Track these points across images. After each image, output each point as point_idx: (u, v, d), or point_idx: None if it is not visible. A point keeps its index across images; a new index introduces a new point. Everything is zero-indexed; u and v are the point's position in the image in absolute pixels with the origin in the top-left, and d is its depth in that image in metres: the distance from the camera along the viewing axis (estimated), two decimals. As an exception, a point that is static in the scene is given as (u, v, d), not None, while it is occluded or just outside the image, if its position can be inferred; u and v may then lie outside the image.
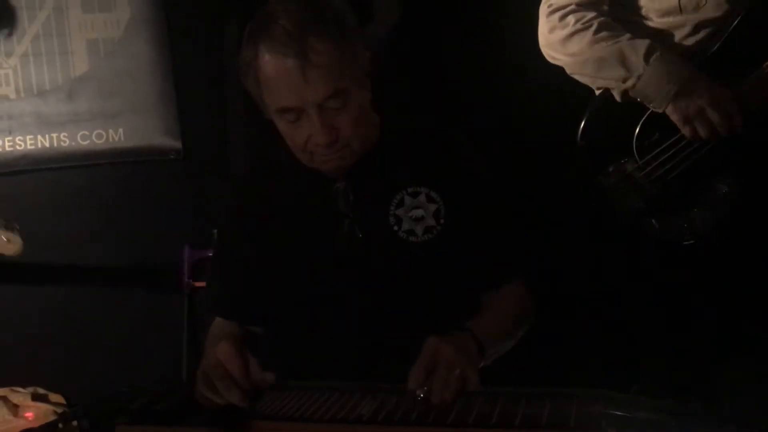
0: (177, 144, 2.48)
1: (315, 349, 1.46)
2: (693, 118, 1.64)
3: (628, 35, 1.70)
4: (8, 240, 1.94)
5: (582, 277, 2.12)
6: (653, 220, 1.74)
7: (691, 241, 1.72)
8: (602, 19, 1.73)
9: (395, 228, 1.42)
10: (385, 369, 1.31)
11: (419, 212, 1.42)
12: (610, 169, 1.75)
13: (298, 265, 1.46)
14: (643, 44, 1.68)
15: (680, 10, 1.70)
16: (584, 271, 2.09)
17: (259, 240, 1.48)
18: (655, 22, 1.74)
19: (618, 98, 1.73)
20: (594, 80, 1.76)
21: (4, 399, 2.27)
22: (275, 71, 1.30)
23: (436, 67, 2.33)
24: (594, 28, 1.71)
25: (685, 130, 1.66)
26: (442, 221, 1.42)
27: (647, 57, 1.66)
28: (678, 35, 1.72)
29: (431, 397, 1.15)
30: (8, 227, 1.93)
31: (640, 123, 1.72)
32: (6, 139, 2.41)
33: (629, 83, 1.68)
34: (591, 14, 1.73)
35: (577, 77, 1.78)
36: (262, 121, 1.42)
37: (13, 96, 2.42)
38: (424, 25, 2.36)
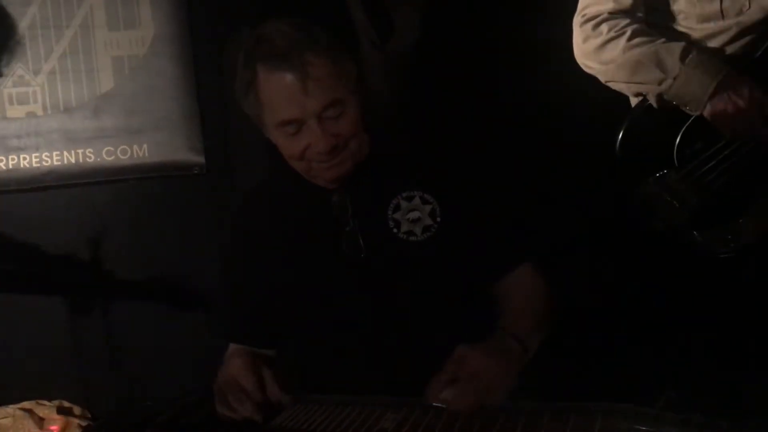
0: (200, 159, 2.50)
1: (330, 362, 1.46)
2: (731, 118, 1.60)
3: (662, 39, 1.67)
4: None
5: (610, 289, 2.10)
6: (695, 232, 1.70)
7: (730, 255, 1.68)
8: (636, 26, 1.70)
9: (395, 231, 1.45)
10: (403, 375, 1.31)
11: (416, 214, 1.46)
12: (651, 180, 1.72)
13: (305, 279, 1.48)
14: (678, 45, 1.65)
15: (722, 15, 1.66)
16: (613, 282, 2.07)
17: (264, 258, 1.50)
18: (696, 28, 1.70)
19: (654, 103, 1.69)
20: (629, 86, 1.73)
21: (30, 412, 2.29)
22: (276, 87, 1.36)
23: (465, 81, 2.34)
24: (627, 34, 1.68)
25: (723, 131, 1.62)
26: (438, 219, 1.46)
27: (683, 58, 1.63)
28: (719, 41, 1.68)
29: (449, 407, 1.16)
30: None
31: (682, 131, 1.68)
32: (33, 155, 2.45)
33: (665, 85, 1.64)
34: (624, 21, 1.70)
35: (612, 85, 1.76)
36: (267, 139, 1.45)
37: (40, 113, 2.46)
38: (446, 40, 2.37)
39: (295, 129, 1.37)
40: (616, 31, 1.70)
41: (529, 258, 1.49)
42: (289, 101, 1.35)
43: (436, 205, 1.46)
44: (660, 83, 1.65)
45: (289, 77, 1.34)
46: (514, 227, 1.51)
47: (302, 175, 1.45)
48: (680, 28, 1.73)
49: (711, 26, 1.68)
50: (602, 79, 1.76)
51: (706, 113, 1.62)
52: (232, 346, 1.54)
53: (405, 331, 1.41)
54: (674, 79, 1.63)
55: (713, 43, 1.69)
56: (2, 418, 2.24)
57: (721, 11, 1.66)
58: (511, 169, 2.02)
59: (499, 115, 2.28)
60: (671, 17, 1.74)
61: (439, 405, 1.18)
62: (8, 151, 2.44)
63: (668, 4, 1.73)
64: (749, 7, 1.64)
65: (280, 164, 1.49)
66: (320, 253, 1.47)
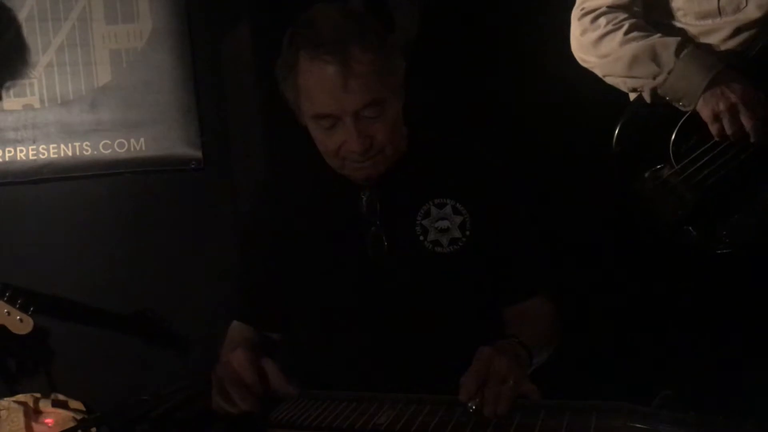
0: (197, 153, 2.50)
1: (334, 357, 1.45)
2: (722, 114, 1.60)
3: (659, 34, 1.69)
4: (21, 320, 2.16)
5: (605, 286, 2.10)
6: (690, 228, 1.70)
7: (726, 250, 1.68)
8: (633, 20, 1.72)
9: (421, 238, 1.42)
10: (405, 378, 1.31)
11: (445, 223, 1.42)
12: (646, 175, 1.72)
13: (322, 272, 1.46)
14: (674, 40, 1.66)
15: (719, 12, 1.67)
16: (609, 279, 2.07)
17: (284, 245, 1.48)
18: (693, 24, 1.71)
19: (648, 98, 1.70)
20: (625, 80, 1.73)
21: (25, 405, 2.29)
22: (315, 77, 1.31)
23: (460, 77, 2.33)
24: (625, 28, 1.70)
25: (713, 128, 1.62)
26: (467, 233, 1.42)
27: (678, 52, 1.64)
28: (716, 38, 1.69)
29: (483, 410, 1.13)
30: (23, 308, 2.17)
31: (677, 127, 1.69)
32: (30, 147, 2.45)
33: (660, 79, 1.65)
34: (622, 15, 1.72)
35: (608, 79, 1.77)
36: (286, 129, 1.43)
37: (37, 105, 2.45)
38: (445, 36, 2.37)
39: (330, 124, 1.33)
40: (613, 24, 1.71)
41: (546, 287, 1.47)
42: (326, 95, 1.30)
43: (467, 218, 1.42)
44: (655, 77, 1.66)
45: (330, 70, 1.28)
46: (537, 255, 1.48)
47: (335, 170, 1.42)
48: (678, 25, 1.74)
49: (708, 23, 1.69)
50: (599, 73, 1.78)
51: (698, 107, 1.63)
52: (235, 330, 1.53)
53: (411, 336, 1.40)
54: (669, 73, 1.64)
55: (710, 40, 1.70)
56: (-3, 410, 2.24)
57: (719, 9, 1.67)
58: (538, 193, 2.00)
59: (500, 113, 2.28)
60: (669, 14, 1.75)
61: (474, 407, 1.14)
62: (5, 143, 2.43)
63: (667, 1, 1.74)
64: (746, 5, 1.65)
65: (309, 153, 1.45)
66: (342, 248, 1.45)
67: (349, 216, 1.44)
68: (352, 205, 1.44)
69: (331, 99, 1.30)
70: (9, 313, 2.15)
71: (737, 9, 1.66)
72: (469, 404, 1.14)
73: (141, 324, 2.48)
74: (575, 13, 1.79)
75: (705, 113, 1.62)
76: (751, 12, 1.66)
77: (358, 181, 1.42)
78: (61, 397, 2.37)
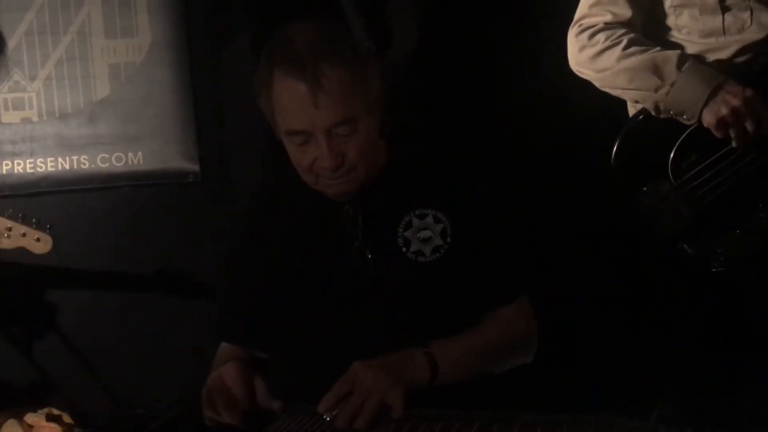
0: (195, 167, 2.50)
1: (325, 372, 1.45)
2: (727, 118, 1.61)
3: (658, 48, 1.70)
4: (38, 239, 2.03)
5: (603, 300, 2.10)
6: (685, 245, 1.71)
7: (722, 268, 1.69)
8: (632, 35, 1.72)
9: (404, 249, 1.43)
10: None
11: (427, 233, 1.43)
12: (644, 190, 1.73)
13: (307, 288, 1.47)
14: (674, 53, 1.67)
15: (723, 31, 1.69)
16: (606, 293, 2.07)
17: (269, 263, 1.49)
18: (697, 42, 1.72)
19: (652, 111, 1.71)
20: (626, 92, 1.74)
21: (19, 419, 2.27)
22: (287, 94, 1.33)
23: (460, 90, 2.34)
24: (623, 43, 1.71)
25: (718, 134, 1.63)
26: (449, 240, 1.43)
27: (680, 65, 1.65)
28: (719, 57, 1.70)
29: (335, 422, 1.19)
30: (39, 227, 2.04)
31: (677, 144, 1.70)
32: (28, 161, 2.45)
33: (662, 92, 1.66)
34: (621, 31, 1.73)
35: (608, 90, 1.77)
36: (275, 145, 1.44)
37: (35, 119, 2.46)
38: (443, 51, 2.38)
39: (303, 140, 1.35)
40: (612, 41, 1.72)
41: (527, 292, 1.48)
42: (298, 111, 1.32)
43: (447, 225, 1.43)
44: (657, 90, 1.66)
45: (301, 87, 1.30)
46: (516, 261, 1.49)
47: (310, 186, 1.43)
48: (680, 41, 1.75)
49: (712, 41, 1.71)
50: (597, 85, 1.78)
51: (702, 118, 1.63)
52: (224, 350, 1.53)
53: (400, 347, 1.40)
54: (671, 85, 1.64)
55: (713, 58, 1.71)
56: (-10, 425, 2.23)
57: (723, 28, 1.68)
58: (524, 197, 2.01)
59: (497, 125, 2.29)
60: (670, 30, 1.76)
61: (330, 417, 1.20)
62: (3, 156, 2.44)
63: (668, 18, 1.75)
64: (750, 24, 1.66)
65: (291, 169, 1.46)
66: (328, 263, 1.45)
67: (332, 231, 1.45)
68: (335, 221, 1.45)
69: (302, 115, 1.32)
70: (25, 234, 2.04)
71: (742, 29, 1.68)
72: (325, 415, 1.21)
73: (136, 338, 2.48)
74: (573, 30, 1.80)
75: (708, 120, 1.63)
76: (755, 32, 1.67)
77: (332, 197, 1.43)
78: (55, 411, 2.35)
